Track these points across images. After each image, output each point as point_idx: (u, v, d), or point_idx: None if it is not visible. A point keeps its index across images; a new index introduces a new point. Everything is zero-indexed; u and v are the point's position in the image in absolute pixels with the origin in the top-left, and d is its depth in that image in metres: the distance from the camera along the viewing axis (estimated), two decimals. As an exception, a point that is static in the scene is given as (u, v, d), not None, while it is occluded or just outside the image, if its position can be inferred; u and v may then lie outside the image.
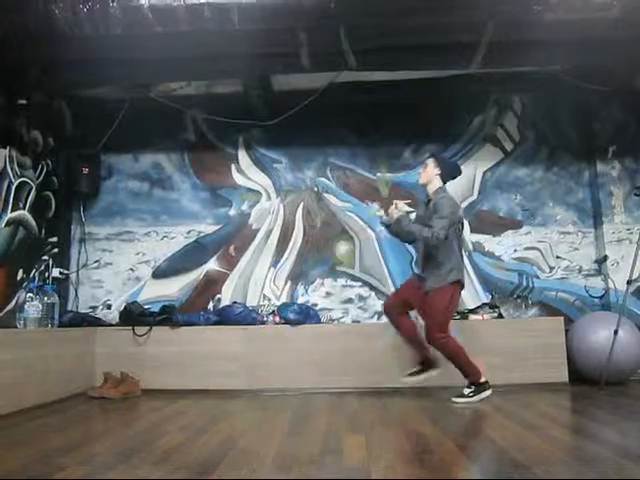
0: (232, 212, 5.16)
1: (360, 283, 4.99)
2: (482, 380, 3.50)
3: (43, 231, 4.72)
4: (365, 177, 5.14)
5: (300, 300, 4.94)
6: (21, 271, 4.43)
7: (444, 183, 3.68)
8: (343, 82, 4.77)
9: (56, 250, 4.89)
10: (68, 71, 4.21)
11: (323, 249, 5.05)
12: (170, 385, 4.17)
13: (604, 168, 4.91)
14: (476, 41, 3.80)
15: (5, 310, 4.19)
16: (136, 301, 4.85)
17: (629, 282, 4.02)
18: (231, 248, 5.10)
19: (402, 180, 5.09)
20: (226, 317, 4.52)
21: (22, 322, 4.00)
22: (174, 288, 5.03)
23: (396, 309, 3.74)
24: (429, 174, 3.67)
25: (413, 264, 3.96)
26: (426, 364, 3.68)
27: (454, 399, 3.46)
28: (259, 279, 5.03)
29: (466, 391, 3.49)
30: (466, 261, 4.93)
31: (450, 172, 3.73)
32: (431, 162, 3.68)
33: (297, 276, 5.03)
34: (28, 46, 3.77)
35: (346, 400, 3.70)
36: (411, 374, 3.70)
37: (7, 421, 3.04)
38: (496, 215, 5.05)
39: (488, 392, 3.48)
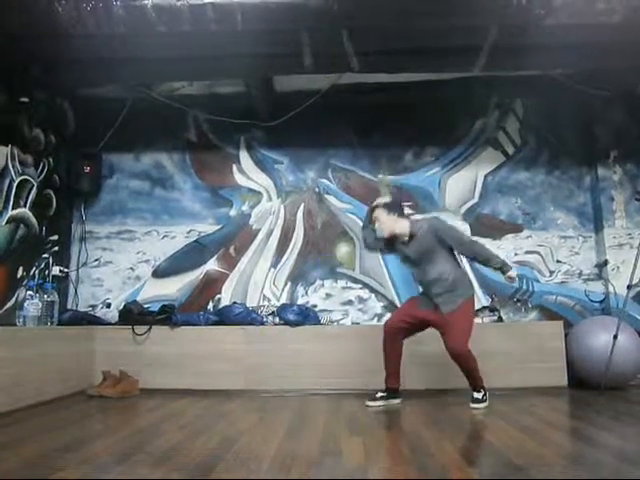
0: (233, 212, 5.16)
1: (360, 285, 4.99)
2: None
3: (44, 229, 4.72)
4: (366, 179, 5.14)
5: (300, 301, 4.94)
6: (21, 269, 4.43)
7: (405, 216, 3.61)
8: (345, 84, 4.78)
9: (56, 248, 4.89)
10: (70, 69, 4.22)
11: (323, 250, 5.05)
12: (169, 385, 4.17)
13: (605, 172, 4.91)
14: (479, 45, 3.81)
15: (5, 308, 4.19)
16: (136, 300, 4.85)
17: (629, 287, 4.01)
18: (231, 248, 5.10)
19: (403, 182, 5.09)
20: (226, 317, 4.52)
21: (22, 320, 4.00)
22: (174, 288, 5.03)
23: (397, 334, 3.59)
24: (389, 224, 3.51)
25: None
26: (392, 392, 3.62)
27: (474, 405, 3.41)
28: (259, 280, 5.03)
29: (479, 395, 3.46)
30: (466, 264, 4.94)
31: (399, 204, 3.64)
32: (380, 213, 3.52)
33: (297, 277, 5.03)
34: (31, 44, 3.77)
35: (345, 402, 3.70)
36: (376, 399, 3.58)
37: (6, 419, 3.04)
38: (497, 219, 5.05)
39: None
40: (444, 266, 3.45)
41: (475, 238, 4.87)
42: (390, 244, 3.62)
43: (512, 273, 3.42)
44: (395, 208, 3.55)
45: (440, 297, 3.45)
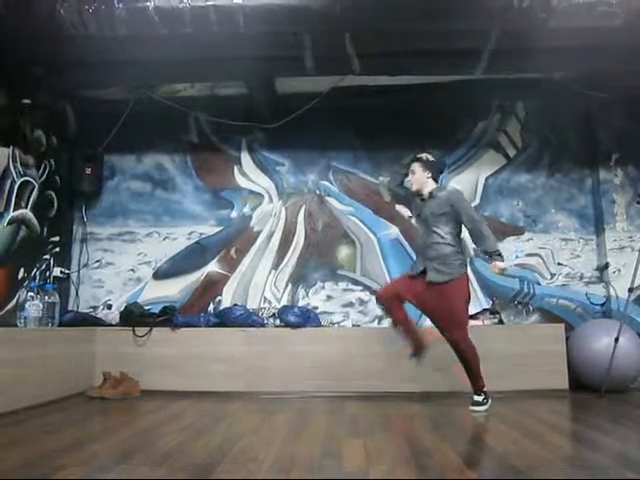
0: (234, 214, 5.16)
1: (361, 287, 4.99)
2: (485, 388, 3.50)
3: (45, 230, 4.73)
4: (367, 181, 5.14)
5: (301, 303, 4.93)
6: (22, 270, 4.43)
7: (436, 181, 3.68)
8: (347, 86, 4.78)
9: (57, 249, 4.89)
10: (72, 71, 4.23)
11: (324, 252, 5.05)
12: (169, 386, 4.17)
13: (607, 175, 4.91)
14: (480, 48, 3.82)
15: (6, 309, 4.19)
16: (137, 302, 4.85)
17: (630, 290, 4.01)
18: (232, 250, 5.10)
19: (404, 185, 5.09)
20: (226, 319, 4.52)
21: (23, 321, 4.02)
22: (175, 289, 5.03)
23: (391, 300, 3.60)
24: (420, 179, 3.63)
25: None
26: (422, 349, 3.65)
27: (473, 408, 3.41)
28: (260, 282, 5.03)
29: (479, 398, 3.45)
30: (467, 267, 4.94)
31: (439, 170, 3.74)
32: (418, 167, 3.64)
33: (298, 279, 5.03)
34: (33, 46, 3.78)
35: (346, 404, 3.69)
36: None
37: (6, 420, 3.04)
38: (498, 221, 5.05)
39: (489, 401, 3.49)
40: (447, 236, 3.51)
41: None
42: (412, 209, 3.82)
43: (501, 264, 3.41)
44: (431, 169, 3.64)
45: (433, 262, 3.50)
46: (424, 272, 3.53)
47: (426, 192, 3.62)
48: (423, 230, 3.64)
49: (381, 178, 5.12)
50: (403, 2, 3.49)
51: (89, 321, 4.59)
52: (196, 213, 5.16)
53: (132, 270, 5.09)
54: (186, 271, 5.07)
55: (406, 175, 3.78)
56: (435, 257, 3.50)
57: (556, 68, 4.41)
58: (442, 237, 3.50)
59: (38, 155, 4.64)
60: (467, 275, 3.58)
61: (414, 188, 3.68)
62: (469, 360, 3.48)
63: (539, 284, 4.92)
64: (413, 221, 3.87)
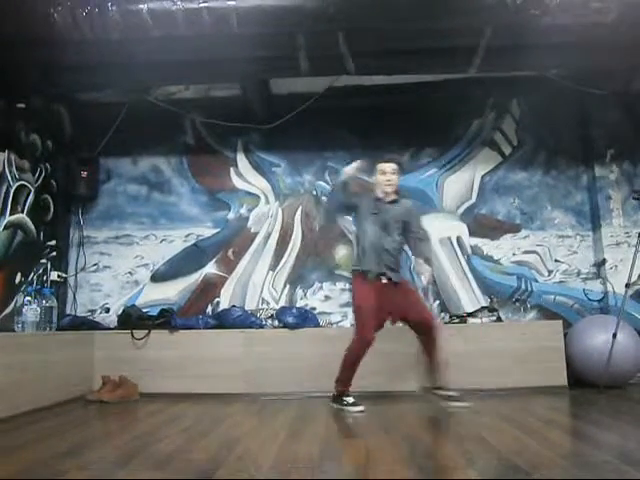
0: (231, 216, 5.16)
1: (359, 287, 4.98)
2: None
3: (41, 234, 4.72)
4: (364, 181, 5.13)
5: (299, 304, 4.93)
6: (19, 274, 4.42)
7: None
8: (341, 86, 4.79)
9: (54, 253, 4.89)
10: (67, 75, 4.21)
11: (322, 253, 5.05)
12: (169, 389, 4.16)
13: (602, 171, 4.92)
14: (474, 45, 3.81)
15: (3, 313, 4.18)
16: (134, 305, 4.85)
17: (628, 285, 4.02)
18: (230, 252, 5.09)
19: (401, 184, 5.07)
20: (225, 321, 4.51)
21: (20, 325, 4.01)
22: (173, 292, 5.02)
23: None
24: (396, 183, 3.65)
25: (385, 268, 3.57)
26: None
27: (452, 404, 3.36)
28: (258, 283, 5.03)
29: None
30: (465, 264, 4.95)
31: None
32: (396, 170, 3.65)
33: (296, 280, 5.03)
34: (27, 50, 3.77)
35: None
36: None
37: (5, 425, 3.03)
38: (494, 219, 5.05)
39: None
40: (400, 244, 3.62)
41: (470, 239, 4.97)
42: (356, 203, 3.72)
43: (429, 277, 3.58)
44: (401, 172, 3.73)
45: (389, 265, 3.53)
46: (380, 276, 3.52)
47: (393, 197, 3.64)
48: (377, 232, 3.57)
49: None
50: (396, 1, 3.49)
51: (87, 325, 4.58)
52: (193, 215, 5.16)
53: (129, 273, 5.08)
54: (184, 273, 5.07)
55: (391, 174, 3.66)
56: (391, 262, 3.54)
57: (551, 65, 4.41)
58: (399, 243, 3.61)
59: (34, 159, 4.63)
60: None
61: (391, 190, 3.63)
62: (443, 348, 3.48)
63: (536, 281, 4.93)
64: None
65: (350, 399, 3.47)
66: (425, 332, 3.48)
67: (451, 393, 3.41)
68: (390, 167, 3.61)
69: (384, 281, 3.50)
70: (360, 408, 3.37)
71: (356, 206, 3.70)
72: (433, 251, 3.74)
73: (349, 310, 4.92)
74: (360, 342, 3.46)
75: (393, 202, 3.63)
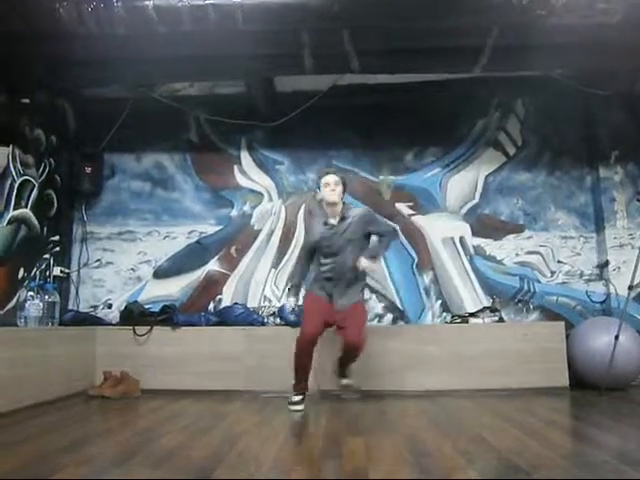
0: (234, 213, 5.16)
1: (361, 285, 4.97)
2: None
3: (45, 230, 4.73)
4: (367, 179, 5.13)
5: (301, 302, 4.92)
6: (22, 269, 4.43)
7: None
8: (346, 84, 4.78)
9: (57, 249, 4.90)
10: (72, 70, 4.22)
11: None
12: (170, 385, 4.17)
13: (607, 173, 4.91)
14: (480, 45, 3.81)
15: (6, 308, 4.20)
16: (137, 301, 4.86)
17: (630, 287, 4.01)
18: (232, 249, 5.09)
19: (404, 183, 5.09)
20: (227, 318, 4.52)
21: (23, 320, 4.02)
22: (175, 288, 5.03)
23: (315, 343, 3.53)
24: (340, 194, 3.62)
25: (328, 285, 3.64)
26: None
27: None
28: (260, 280, 5.03)
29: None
30: (467, 264, 4.94)
31: (344, 190, 3.72)
32: (341, 183, 3.63)
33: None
34: (32, 45, 3.78)
35: (346, 403, 3.69)
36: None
37: (7, 419, 3.04)
38: (498, 219, 5.04)
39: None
40: (354, 261, 3.55)
41: (473, 239, 4.95)
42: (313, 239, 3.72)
43: (366, 264, 3.53)
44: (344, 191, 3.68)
45: (349, 288, 3.59)
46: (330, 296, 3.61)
47: (339, 209, 3.62)
48: (332, 257, 3.59)
49: (381, 177, 5.12)
50: (402, 0, 3.48)
51: (89, 320, 4.59)
52: (196, 212, 5.16)
53: (132, 269, 5.09)
54: (186, 270, 5.07)
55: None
56: (343, 285, 3.59)
57: (556, 65, 4.40)
58: (352, 262, 3.54)
59: (38, 154, 4.64)
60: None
61: (335, 199, 3.60)
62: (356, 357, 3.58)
63: (539, 282, 4.92)
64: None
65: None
66: (349, 350, 3.52)
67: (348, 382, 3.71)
68: (335, 178, 3.62)
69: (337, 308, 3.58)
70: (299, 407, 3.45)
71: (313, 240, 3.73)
72: (387, 245, 3.74)
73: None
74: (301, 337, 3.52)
75: (340, 222, 3.60)
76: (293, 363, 3.50)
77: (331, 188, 3.59)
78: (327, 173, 3.67)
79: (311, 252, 3.80)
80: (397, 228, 3.77)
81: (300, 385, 3.54)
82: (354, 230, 3.58)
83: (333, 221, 3.62)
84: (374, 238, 3.72)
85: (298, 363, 3.50)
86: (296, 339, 3.49)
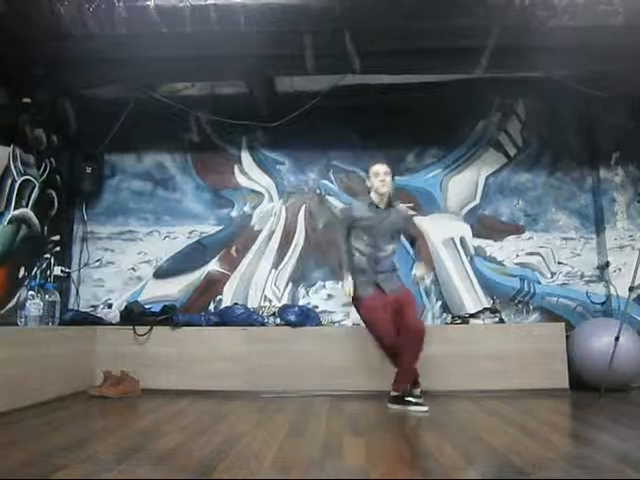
0: (234, 213, 5.16)
1: (361, 286, 4.97)
2: None
3: (45, 229, 4.73)
4: (368, 180, 5.12)
5: (301, 302, 4.93)
6: (23, 269, 4.44)
7: None
8: (347, 85, 4.78)
9: (58, 248, 4.90)
10: (72, 70, 4.23)
11: (325, 251, 5.04)
12: (170, 385, 4.17)
13: (607, 174, 4.91)
14: (481, 46, 3.81)
15: (6, 307, 4.20)
16: (137, 301, 4.86)
17: (631, 289, 4.00)
18: (233, 249, 5.10)
19: (405, 184, 5.09)
20: (227, 318, 4.52)
21: (23, 320, 4.01)
22: (175, 288, 5.03)
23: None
24: (390, 184, 3.65)
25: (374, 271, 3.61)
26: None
27: (412, 408, 3.33)
28: (260, 280, 5.03)
29: (417, 397, 3.40)
30: (467, 265, 4.94)
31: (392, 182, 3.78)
32: (390, 174, 3.66)
33: (298, 278, 5.03)
34: (33, 44, 3.78)
35: (346, 403, 3.69)
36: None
37: (7, 419, 3.04)
38: (498, 220, 5.05)
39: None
40: (394, 251, 3.72)
41: (473, 240, 4.96)
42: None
43: (420, 273, 3.78)
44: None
45: (392, 275, 3.67)
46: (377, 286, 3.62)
47: (386, 198, 3.66)
48: (372, 242, 3.64)
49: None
50: (403, 1, 3.49)
51: (89, 320, 4.58)
52: (196, 212, 5.17)
53: (132, 269, 5.09)
54: (187, 270, 5.07)
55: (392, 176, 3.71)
56: (387, 271, 3.65)
57: (557, 67, 4.40)
58: (393, 251, 3.71)
59: (38, 154, 4.64)
60: None
61: (386, 190, 3.63)
62: (419, 351, 3.44)
63: (539, 283, 4.92)
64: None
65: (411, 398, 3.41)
66: (413, 338, 3.45)
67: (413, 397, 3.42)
68: (385, 169, 3.64)
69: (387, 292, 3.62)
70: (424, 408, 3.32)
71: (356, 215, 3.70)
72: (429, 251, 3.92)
73: (351, 309, 4.92)
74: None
75: (387, 208, 3.68)
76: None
77: (381, 178, 3.61)
78: (377, 163, 3.72)
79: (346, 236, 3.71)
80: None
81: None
82: (395, 220, 3.68)
83: (380, 205, 3.66)
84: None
85: (393, 362, 3.52)
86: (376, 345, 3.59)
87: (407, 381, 3.44)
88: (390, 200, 3.68)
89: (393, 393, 3.46)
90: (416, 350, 3.41)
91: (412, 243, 4.05)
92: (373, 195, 3.67)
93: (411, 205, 5.02)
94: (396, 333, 3.46)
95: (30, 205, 4.52)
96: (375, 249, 3.63)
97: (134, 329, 4.36)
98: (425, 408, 3.29)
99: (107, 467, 2.11)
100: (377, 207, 3.66)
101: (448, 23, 3.64)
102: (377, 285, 3.61)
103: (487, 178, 5.11)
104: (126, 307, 4.69)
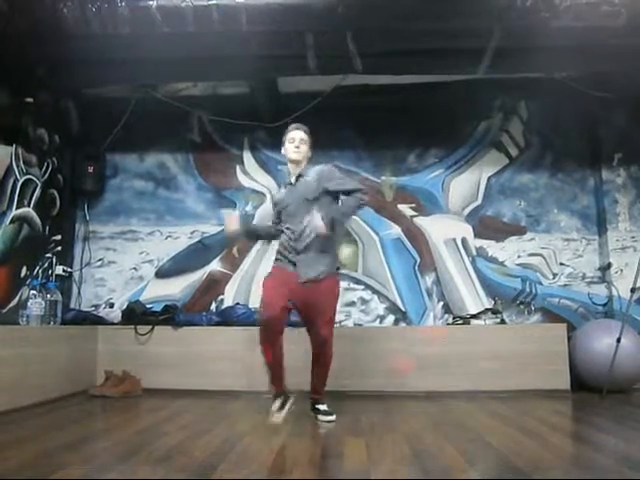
0: (236, 213, 5.15)
1: (363, 286, 4.98)
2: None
3: (47, 229, 4.73)
4: (370, 180, 5.13)
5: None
6: (25, 268, 4.44)
7: None
8: (349, 85, 4.78)
9: (60, 248, 4.90)
10: (75, 70, 4.24)
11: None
12: (171, 385, 4.17)
13: (609, 175, 4.90)
14: (483, 46, 3.81)
15: (8, 307, 4.20)
16: (139, 300, 4.86)
17: (633, 290, 4.00)
18: (234, 249, 5.10)
19: (407, 184, 5.09)
20: (228, 318, 4.52)
21: (25, 319, 4.02)
22: (177, 288, 5.03)
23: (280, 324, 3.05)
24: (306, 152, 3.22)
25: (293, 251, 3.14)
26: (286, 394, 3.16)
27: (325, 418, 3.11)
28: (262, 280, 5.02)
29: (326, 407, 3.19)
30: (469, 266, 4.94)
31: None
32: (308, 140, 3.24)
33: (300, 278, 5.02)
34: (35, 44, 3.79)
35: (347, 403, 3.69)
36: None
37: (8, 418, 3.05)
38: (500, 221, 5.04)
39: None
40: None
41: (475, 240, 4.94)
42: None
43: (318, 224, 2.96)
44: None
45: (312, 255, 3.07)
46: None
47: (299, 168, 3.21)
48: (290, 220, 3.17)
49: (384, 178, 5.11)
50: (406, 1, 3.49)
51: (91, 319, 4.59)
52: (198, 212, 5.17)
53: (134, 269, 5.09)
54: (188, 270, 5.08)
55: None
56: (309, 251, 3.07)
57: (559, 68, 4.40)
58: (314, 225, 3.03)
59: (41, 153, 4.65)
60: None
61: (299, 158, 3.18)
62: (328, 363, 3.25)
63: (541, 284, 4.91)
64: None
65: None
66: (313, 338, 3.27)
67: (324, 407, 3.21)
68: (300, 134, 3.22)
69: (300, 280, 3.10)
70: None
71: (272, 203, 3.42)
72: (355, 206, 3.11)
73: (352, 309, 4.93)
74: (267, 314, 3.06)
75: (298, 177, 3.19)
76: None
77: (296, 144, 3.19)
78: (297, 128, 3.26)
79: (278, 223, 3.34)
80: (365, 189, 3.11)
81: (275, 385, 3.15)
82: (310, 188, 3.11)
83: (291, 178, 3.24)
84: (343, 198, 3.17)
85: (265, 359, 3.08)
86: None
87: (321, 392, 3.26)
88: (302, 170, 3.20)
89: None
90: (324, 365, 3.25)
91: (348, 195, 3.14)
92: (288, 166, 3.28)
93: (413, 205, 5.02)
94: (281, 330, 3.08)
95: (32, 205, 4.53)
96: (295, 228, 3.12)
97: (135, 329, 4.37)
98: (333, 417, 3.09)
99: (108, 466, 2.12)
100: (289, 184, 3.26)
101: (450, 24, 3.64)
102: (294, 266, 3.09)
103: (489, 179, 5.10)
104: (128, 307, 4.70)
